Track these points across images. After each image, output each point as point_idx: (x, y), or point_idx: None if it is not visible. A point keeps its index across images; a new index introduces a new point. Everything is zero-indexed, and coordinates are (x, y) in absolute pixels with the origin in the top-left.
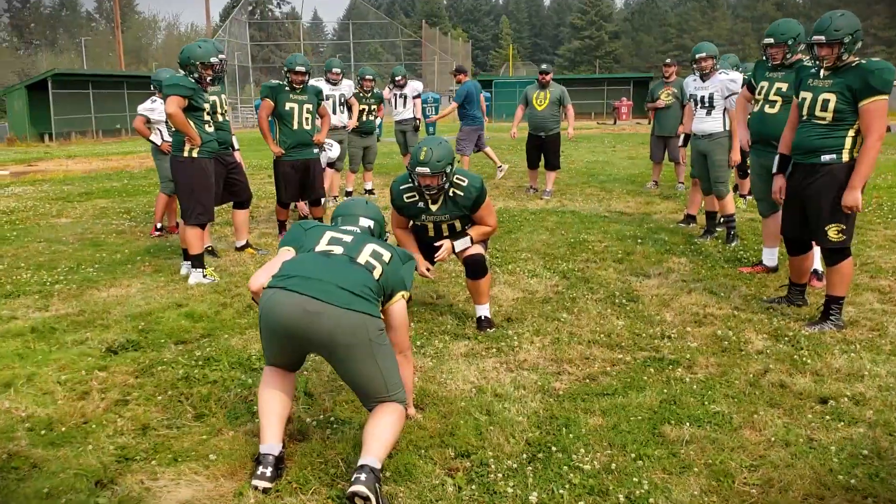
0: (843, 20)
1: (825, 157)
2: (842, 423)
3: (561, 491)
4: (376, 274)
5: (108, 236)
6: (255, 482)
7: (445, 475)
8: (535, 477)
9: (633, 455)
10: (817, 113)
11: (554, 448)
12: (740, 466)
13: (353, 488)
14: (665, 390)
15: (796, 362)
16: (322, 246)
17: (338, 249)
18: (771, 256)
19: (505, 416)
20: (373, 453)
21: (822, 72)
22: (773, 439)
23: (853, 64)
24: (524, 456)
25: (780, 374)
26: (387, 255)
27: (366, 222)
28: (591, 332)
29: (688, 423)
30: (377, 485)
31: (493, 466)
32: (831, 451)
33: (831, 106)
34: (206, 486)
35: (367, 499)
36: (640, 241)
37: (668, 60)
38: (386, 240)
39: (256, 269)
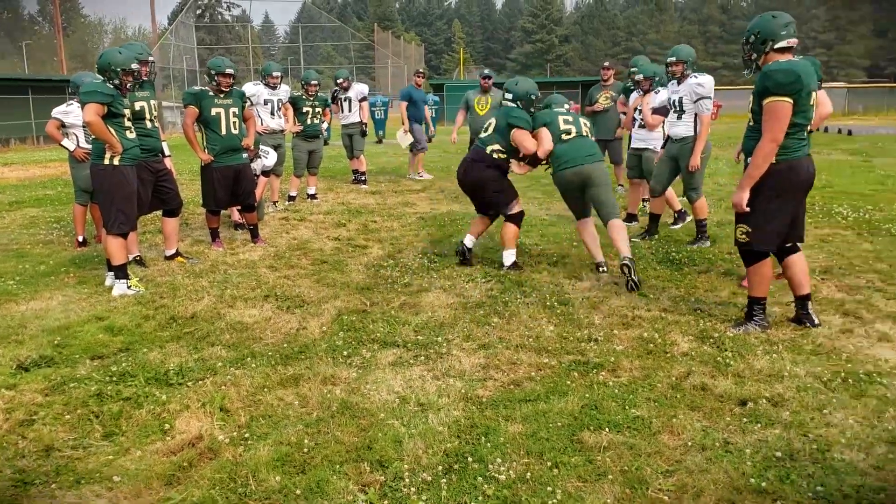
0: (752, 22)
1: (750, 159)
2: (759, 426)
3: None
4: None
5: (34, 247)
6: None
7: (359, 491)
8: (450, 489)
9: (549, 463)
10: (749, 114)
11: (471, 458)
12: (655, 472)
13: (626, 275)
14: (587, 395)
15: (720, 364)
16: (562, 125)
17: (573, 129)
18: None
19: (425, 427)
20: (627, 251)
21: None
22: (690, 444)
23: None
24: (440, 468)
25: (703, 377)
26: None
27: (567, 105)
28: (519, 337)
29: (607, 429)
30: (633, 265)
31: (407, 480)
32: (746, 454)
33: (750, 107)
34: None
35: (631, 270)
36: (576, 244)
37: (606, 64)
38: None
39: (185, 278)
